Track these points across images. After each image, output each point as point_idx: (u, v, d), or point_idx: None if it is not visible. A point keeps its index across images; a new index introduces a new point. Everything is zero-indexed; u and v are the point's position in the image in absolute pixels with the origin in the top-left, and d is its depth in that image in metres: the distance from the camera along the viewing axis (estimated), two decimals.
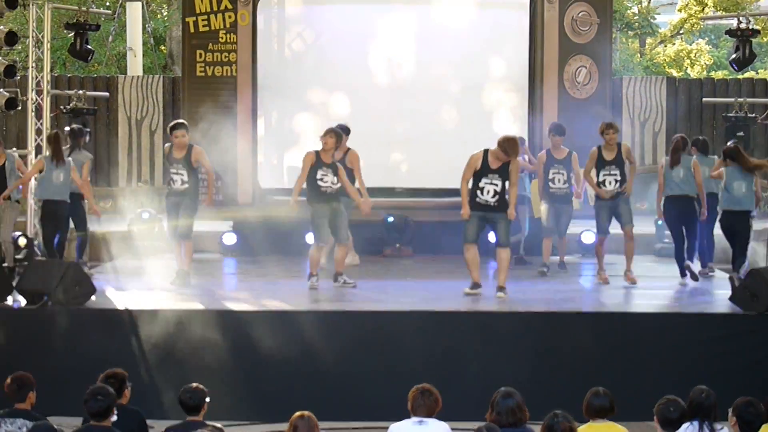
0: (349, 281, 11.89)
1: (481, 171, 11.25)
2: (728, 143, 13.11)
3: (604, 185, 12.14)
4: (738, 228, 12.03)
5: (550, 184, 12.94)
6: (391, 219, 15.06)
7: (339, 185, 11.74)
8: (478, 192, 11.25)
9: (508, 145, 11.11)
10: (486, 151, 11.26)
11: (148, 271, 12.80)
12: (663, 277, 12.95)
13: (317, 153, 11.72)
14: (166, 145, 12.18)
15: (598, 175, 12.23)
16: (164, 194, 12.32)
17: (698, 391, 6.81)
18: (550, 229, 13.22)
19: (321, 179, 11.64)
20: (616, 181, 12.08)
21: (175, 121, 12.30)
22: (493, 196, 11.19)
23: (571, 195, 13.16)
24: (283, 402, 9.52)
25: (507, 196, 11.25)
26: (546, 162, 13.09)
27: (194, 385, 7.06)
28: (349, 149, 12.79)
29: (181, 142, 11.83)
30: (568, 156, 13.09)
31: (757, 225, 13.13)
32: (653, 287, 12.19)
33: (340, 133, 11.96)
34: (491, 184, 11.21)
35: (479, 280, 11.48)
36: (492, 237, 12.33)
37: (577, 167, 13.04)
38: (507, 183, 11.24)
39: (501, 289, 11.28)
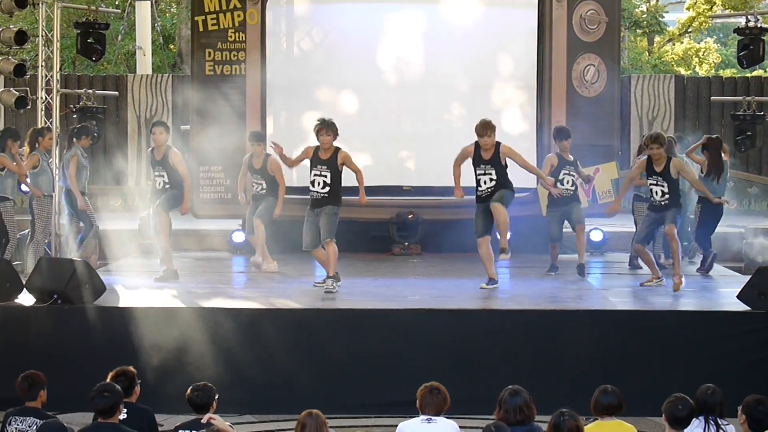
0: (332, 289, 11.50)
1: (474, 162, 11.60)
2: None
3: (652, 195, 11.86)
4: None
5: (559, 185, 12.86)
6: (410, 216, 15.05)
7: (328, 190, 11.53)
8: (477, 185, 11.59)
9: (478, 127, 11.50)
10: (477, 143, 11.60)
11: (158, 269, 12.82)
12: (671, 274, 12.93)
13: (316, 150, 11.63)
14: (149, 149, 12.39)
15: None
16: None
17: (704, 389, 6.85)
18: (555, 236, 13.11)
19: (313, 182, 11.57)
20: (663, 192, 11.70)
21: (156, 120, 12.44)
22: (490, 185, 11.44)
23: (577, 195, 13.08)
24: (292, 399, 9.57)
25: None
26: (558, 164, 12.92)
27: (203, 383, 7.09)
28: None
29: (158, 140, 12.09)
30: (576, 159, 13.04)
31: (757, 223, 13.19)
32: (660, 284, 12.17)
33: (335, 126, 11.58)
34: (485, 174, 11.54)
35: (495, 276, 11.64)
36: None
37: (582, 171, 13.04)
38: (501, 170, 11.47)
39: (503, 250, 11.55)
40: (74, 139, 14.03)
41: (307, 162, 11.90)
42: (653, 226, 11.91)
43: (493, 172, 11.51)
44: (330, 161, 11.50)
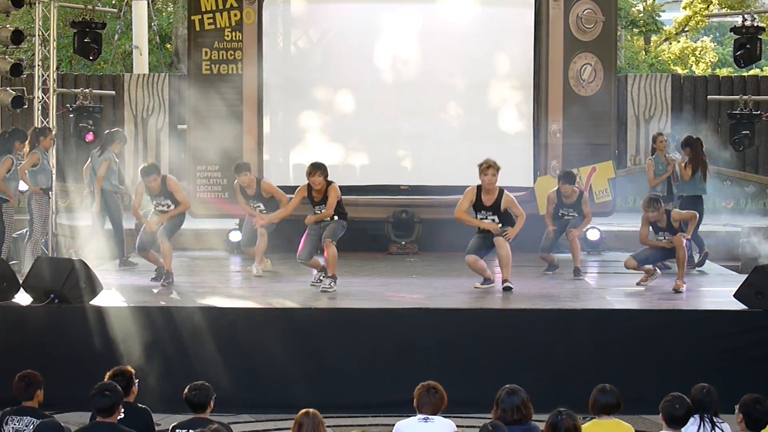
0: (328, 288, 11.55)
1: (475, 207, 11.57)
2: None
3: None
4: None
5: (558, 220, 12.88)
6: (404, 215, 15.06)
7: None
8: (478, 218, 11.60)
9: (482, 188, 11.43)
10: (478, 187, 11.52)
11: (155, 268, 12.82)
12: (671, 273, 12.95)
13: (309, 189, 11.68)
14: (139, 182, 12.40)
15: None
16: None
17: (699, 388, 6.86)
18: (546, 247, 13.03)
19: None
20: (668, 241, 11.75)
21: (147, 165, 12.39)
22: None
23: (578, 221, 12.93)
24: (289, 398, 9.56)
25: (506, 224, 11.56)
26: (556, 204, 12.88)
27: (200, 382, 7.09)
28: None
29: (154, 188, 12.04)
30: (579, 198, 12.88)
31: (754, 222, 13.22)
32: (657, 284, 12.18)
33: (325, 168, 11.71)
34: (486, 219, 11.53)
35: (491, 276, 11.71)
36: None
37: (587, 209, 12.90)
38: (503, 216, 11.48)
39: (507, 288, 11.54)
40: (108, 144, 14.25)
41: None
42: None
43: (496, 218, 11.52)
44: (325, 200, 11.62)
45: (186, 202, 12.32)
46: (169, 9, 30.51)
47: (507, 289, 11.45)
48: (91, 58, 16.27)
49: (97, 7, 17.26)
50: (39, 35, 15.30)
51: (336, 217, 11.67)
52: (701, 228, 13.62)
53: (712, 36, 36.33)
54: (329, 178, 11.68)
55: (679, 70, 29.81)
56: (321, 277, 11.75)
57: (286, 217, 12.49)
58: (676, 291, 11.59)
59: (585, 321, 10.31)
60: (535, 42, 15.18)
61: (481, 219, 11.52)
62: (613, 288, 12.20)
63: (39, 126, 14.61)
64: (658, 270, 12.24)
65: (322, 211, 11.63)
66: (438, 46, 15.44)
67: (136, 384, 7.36)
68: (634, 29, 30.48)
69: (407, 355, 10.06)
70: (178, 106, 20.26)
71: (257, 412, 9.87)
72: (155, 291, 11.54)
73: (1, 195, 13.32)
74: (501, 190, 11.50)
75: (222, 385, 8.37)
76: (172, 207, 12.10)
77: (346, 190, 11.94)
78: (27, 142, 13.80)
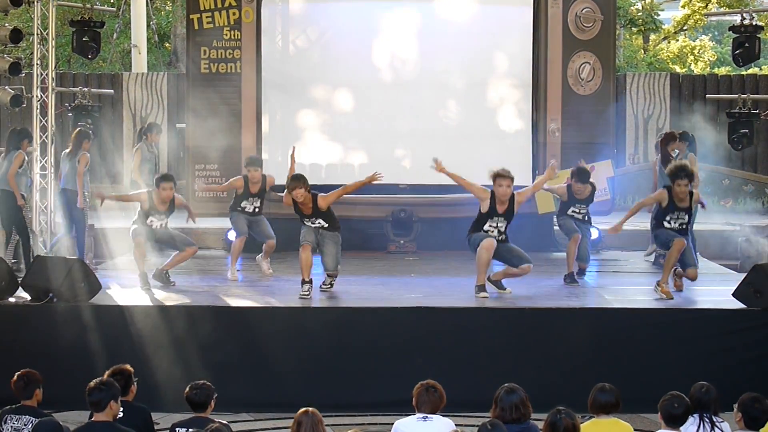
0: (328, 287, 11.52)
1: (488, 213, 11.16)
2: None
3: (669, 223, 11.42)
4: None
5: (569, 214, 12.65)
6: (403, 214, 15.06)
7: (321, 224, 11.39)
8: (484, 229, 11.22)
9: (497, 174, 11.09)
10: (493, 193, 11.13)
11: (153, 267, 12.81)
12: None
13: (295, 203, 11.34)
14: (144, 192, 12.17)
15: (664, 216, 11.46)
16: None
17: (698, 387, 6.87)
18: (572, 230, 12.51)
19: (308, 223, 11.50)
20: (682, 225, 11.40)
21: (164, 174, 12.30)
22: (498, 236, 11.21)
23: (589, 219, 12.70)
24: (288, 397, 9.57)
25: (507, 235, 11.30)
26: (567, 199, 12.55)
27: (201, 381, 7.09)
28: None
29: (167, 196, 11.80)
30: (591, 194, 12.64)
31: (752, 221, 13.23)
32: (655, 283, 12.18)
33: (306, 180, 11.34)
34: (495, 227, 11.20)
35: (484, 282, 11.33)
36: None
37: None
38: (509, 222, 11.23)
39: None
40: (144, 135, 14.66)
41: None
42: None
43: (504, 225, 11.20)
44: (315, 213, 11.31)
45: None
46: (167, 8, 30.49)
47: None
48: (89, 56, 16.27)
49: (95, 6, 17.23)
50: (38, 34, 15.27)
51: (331, 231, 11.39)
52: (698, 227, 13.64)
53: (710, 35, 36.34)
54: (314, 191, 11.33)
55: (678, 69, 29.81)
56: (331, 282, 11.70)
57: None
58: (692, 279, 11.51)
59: (584, 320, 10.32)
60: (533, 41, 15.19)
61: (491, 226, 11.15)
62: (612, 287, 12.21)
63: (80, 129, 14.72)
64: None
65: (315, 223, 11.35)
66: (437, 45, 15.44)
67: (135, 383, 7.36)
68: (633, 28, 30.49)
69: (406, 353, 10.06)
70: (176, 106, 20.27)
71: (256, 411, 9.88)
72: (154, 290, 11.53)
73: (21, 192, 13.46)
74: (512, 195, 11.13)
75: (221, 384, 8.35)
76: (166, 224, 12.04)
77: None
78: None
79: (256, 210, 12.84)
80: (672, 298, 11.10)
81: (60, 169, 14.15)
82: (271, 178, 12.95)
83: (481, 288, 11.13)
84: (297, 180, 11.18)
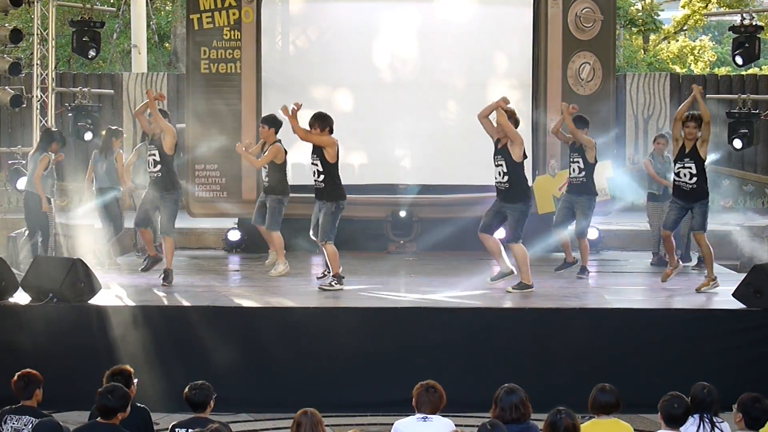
0: (327, 287, 11.60)
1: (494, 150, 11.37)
2: None
3: (679, 176, 11.59)
4: None
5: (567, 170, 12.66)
6: (403, 213, 15.07)
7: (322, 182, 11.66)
8: (495, 173, 11.30)
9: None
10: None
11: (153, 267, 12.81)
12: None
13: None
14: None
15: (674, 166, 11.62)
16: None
17: (699, 387, 6.86)
18: (559, 221, 12.68)
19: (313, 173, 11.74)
20: (691, 174, 11.52)
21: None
22: (502, 178, 11.23)
23: (586, 186, 12.57)
24: (287, 397, 9.57)
25: (513, 187, 11.24)
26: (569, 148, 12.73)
27: (200, 381, 7.09)
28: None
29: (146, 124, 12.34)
30: (582, 146, 12.59)
31: (752, 222, 13.23)
32: (655, 283, 12.19)
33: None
34: (497, 165, 11.26)
35: (508, 269, 11.48)
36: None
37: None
38: (510, 164, 11.19)
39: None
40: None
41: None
42: (681, 212, 11.74)
43: (503, 164, 11.21)
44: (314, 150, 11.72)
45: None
46: (167, 8, 30.50)
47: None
48: (89, 57, 16.28)
49: (95, 6, 17.25)
50: (38, 34, 15.30)
51: (325, 200, 11.62)
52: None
53: (710, 35, 36.33)
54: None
55: (678, 69, 29.78)
56: (326, 272, 11.76)
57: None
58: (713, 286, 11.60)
59: (584, 320, 10.31)
60: (533, 41, 15.19)
61: (496, 166, 11.27)
62: (611, 287, 12.21)
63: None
64: (681, 263, 12.20)
65: (314, 161, 11.72)
66: (437, 45, 15.45)
67: (135, 383, 7.36)
68: (633, 28, 30.47)
69: (406, 354, 10.06)
70: (176, 105, 20.25)
71: (256, 411, 9.88)
72: (154, 290, 11.54)
73: (46, 194, 13.50)
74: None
75: (220, 384, 8.35)
76: (159, 157, 11.98)
77: (345, 189, 11.91)
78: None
79: (265, 180, 12.88)
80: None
81: (97, 169, 14.01)
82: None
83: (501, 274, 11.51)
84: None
